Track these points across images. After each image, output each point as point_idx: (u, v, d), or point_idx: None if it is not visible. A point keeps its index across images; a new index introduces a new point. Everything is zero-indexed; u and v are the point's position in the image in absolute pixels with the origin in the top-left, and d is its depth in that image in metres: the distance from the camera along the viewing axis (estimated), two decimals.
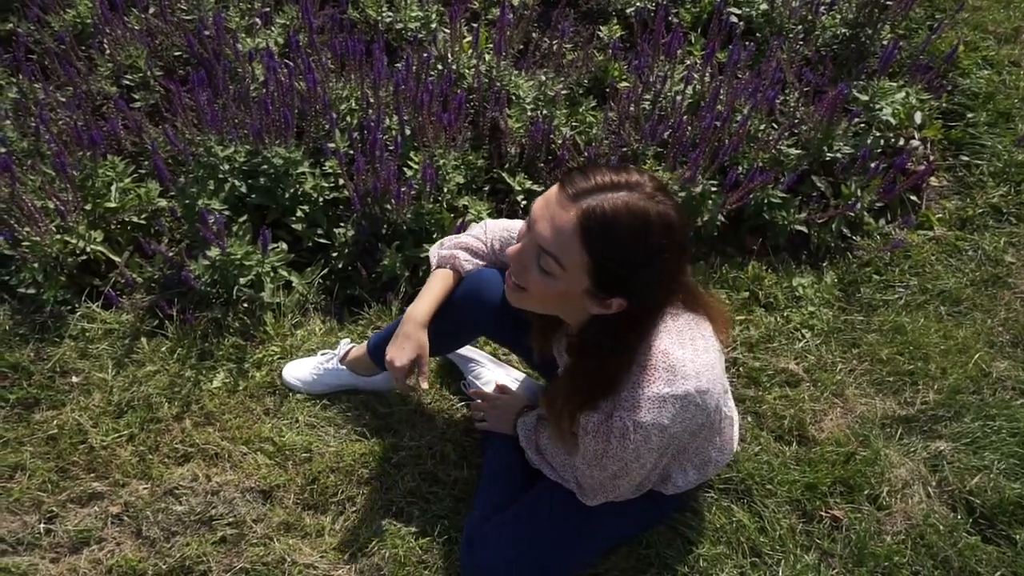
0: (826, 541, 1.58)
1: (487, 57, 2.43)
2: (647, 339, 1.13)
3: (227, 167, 2.08)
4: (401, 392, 1.43)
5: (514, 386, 1.73)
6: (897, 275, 2.08)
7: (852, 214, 2.13)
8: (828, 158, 2.21)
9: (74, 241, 2.00)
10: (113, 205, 2.11)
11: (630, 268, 1.03)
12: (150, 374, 1.85)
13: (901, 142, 2.38)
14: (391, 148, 2.06)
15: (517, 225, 1.48)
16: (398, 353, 1.40)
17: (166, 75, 2.52)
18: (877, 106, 2.22)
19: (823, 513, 1.61)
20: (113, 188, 2.13)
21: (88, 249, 2.02)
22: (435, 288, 1.46)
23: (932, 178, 2.40)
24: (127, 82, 2.50)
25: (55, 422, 1.76)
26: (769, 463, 1.67)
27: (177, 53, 2.60)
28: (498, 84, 2.37)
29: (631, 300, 1.06)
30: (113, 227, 2.13)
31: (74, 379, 1.85)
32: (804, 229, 2.14)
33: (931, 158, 2.39)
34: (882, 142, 2.30)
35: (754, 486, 1.64)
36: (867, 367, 1.87)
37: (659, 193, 1.02)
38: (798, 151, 2.18)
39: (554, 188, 1.05)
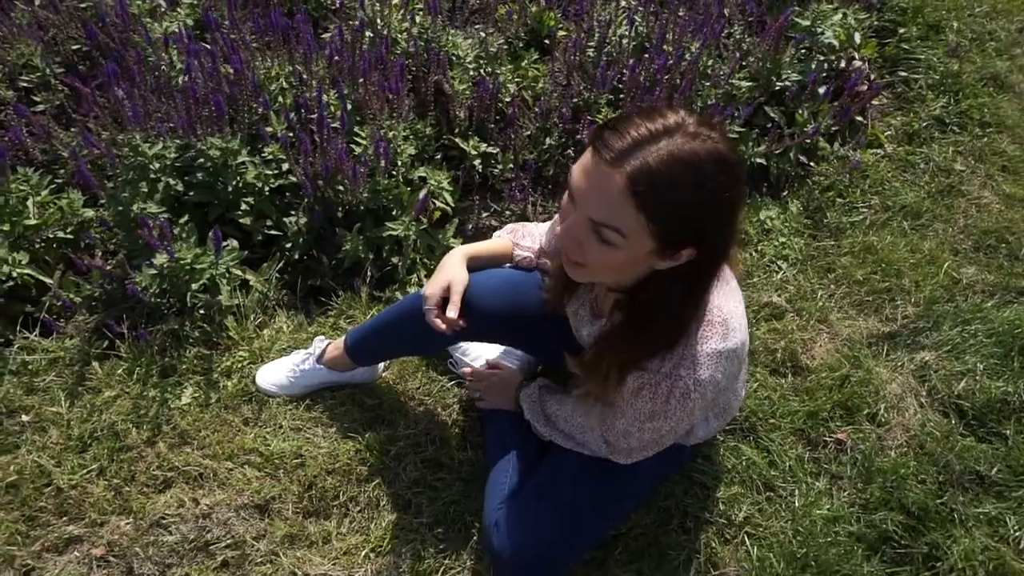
0: (834, 464, 1.60)
1: (417, 19, 2.30)
2: (712, 286, 1.08)
3: (157, 166, 1.90)
4: (432, 326, 1.35)
5: (507, 360, 1.67)
6: (858, 196, 2.11)
7: (808, 141, 2.14)
8: (778, 87, 2.20)
9: None
10: (34, 222, 1.91)
11: (694, 218, 0.94)
12: (109, 400, 1.70)
13: (843, 64, 2.39)
14: (336, 126, 1.93)
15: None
16: (430, 284, 1.36)
17: (67, 72, 2.29)
18: (819, 30, 2.22)
19: (827, 438, 1.63)
20: (30, 203, 1.92)
21: (14, 274, 1.82)
22: (490, 242, 1.47)
23: (857, 89, 2.43)
24: (24, 84, 2.25)
25: (12, 468, 1.59)
26: (769, 398, 1.67)
27: (75, 46, 2.36)
28: (435, 45, 2.25)
29: (701, 247, 0.98)
30: (38, 246, 1.93)
31: (24, 418, 1.69)
32: (763, 162, 2.13)
33: (871, 77, 2.42)
34: (826, 65, 2.30)
35: (758, 423, 1.65)
36: (845, 290, 1.89)
37: (703, 128, 0.93)
38: (749, 83, 2.16)
39: (587, 154, 0.95)
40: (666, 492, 1.55)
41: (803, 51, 2.31)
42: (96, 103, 1.96)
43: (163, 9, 2.43)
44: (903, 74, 2.46)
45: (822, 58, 2.28)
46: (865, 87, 2.32)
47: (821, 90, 2.18)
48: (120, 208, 1.81)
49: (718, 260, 1.04)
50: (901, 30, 2.56)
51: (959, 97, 2.36)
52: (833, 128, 2.16)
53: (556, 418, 1.42)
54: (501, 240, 1.50)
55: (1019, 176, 2.18)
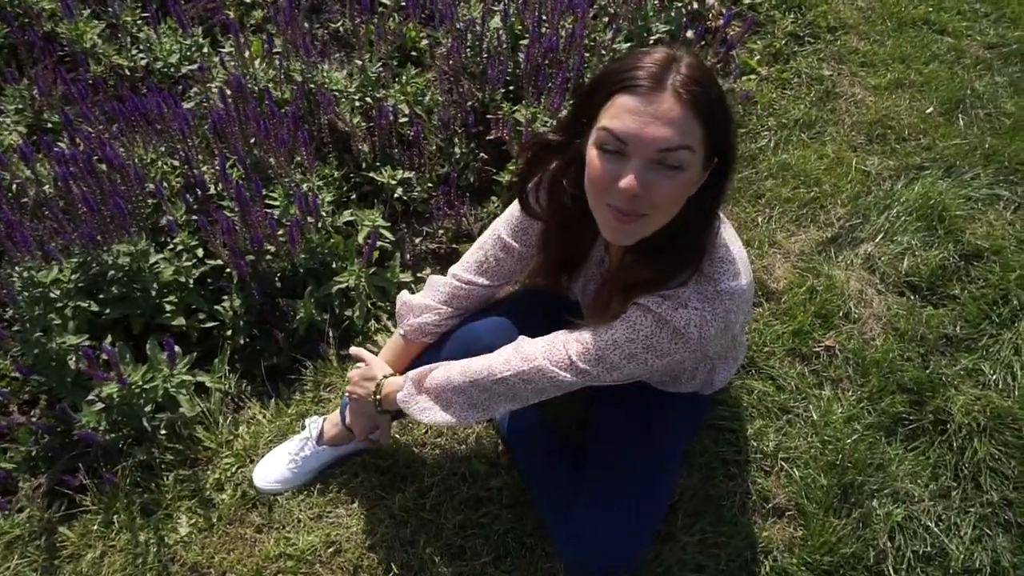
0: (831, 370, 1.70)
1: (286, 64, 2.18)
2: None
3: (58, 292, 1.69)
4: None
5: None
6: (756, 122, 2.24)
7: None
8: (652, 41, 2.29)
9: None
10: None
11: (723, 119, 1.01)
12: (96, 562, 1.51)
13: (695, 5, 2.52)
14: (249, 194, 1.79)
15: (497, 239, 1.35)
16: (356, 429, 1.45)
17: None
18: None
19: (817, 348, 1.73)
20: None
21: None
22: (387, 353, 1.47)
23: (727, 28, 2.58)
24: None
25: None
26: (756, 329, 1.75)
27: None
28: (312, 86, 2.14)
29: (724, 155, 1.03)
30: None
31: None
32: None
33: (723, 12, 2.56)
34: (684, 11, 2.41)
35: (754, 355, 1.72)
36: (780, 210, 2.00)
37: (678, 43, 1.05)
38: (628, 44, 2.23)
39: (623, 99, 0.97)
40: (700, 448, 1.59)
41: (656, 3, 2.40)
42: None
43: None
44: (747, 2, 2.62)
45: (680, 4, 2.39)
46: (721, 21, 2.45)
47: (690, 34, 2.28)
48: (36, 350, 1.59)
49: (731, 170, 1.07)
50: None
51: (802, 11, 2.56)
52: (718, 64, 2.27)
53: (469, 377, 1.25)
54: (401, 340, 1.44)
55: (877, 68, 2.40)
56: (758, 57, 2.45)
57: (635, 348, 1.12)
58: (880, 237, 1.91)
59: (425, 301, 1.40)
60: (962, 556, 1.45)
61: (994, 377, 1.69)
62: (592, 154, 1.01)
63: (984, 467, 1.56)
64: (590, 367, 1.15)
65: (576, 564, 1.35)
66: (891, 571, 1.44)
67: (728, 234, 1.16)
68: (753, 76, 2.40)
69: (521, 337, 1.26)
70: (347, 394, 1.44)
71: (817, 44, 2.48)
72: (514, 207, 1.32)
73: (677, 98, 0.95)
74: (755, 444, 1.60)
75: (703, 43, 2.33)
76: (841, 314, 1.77)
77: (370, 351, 1.48)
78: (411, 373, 1.30)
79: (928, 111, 2.25)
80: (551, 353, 1.18)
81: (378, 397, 1.35)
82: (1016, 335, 1.74)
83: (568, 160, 1.12)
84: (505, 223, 1.33)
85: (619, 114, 0.97)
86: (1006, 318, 1.77)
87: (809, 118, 2.23)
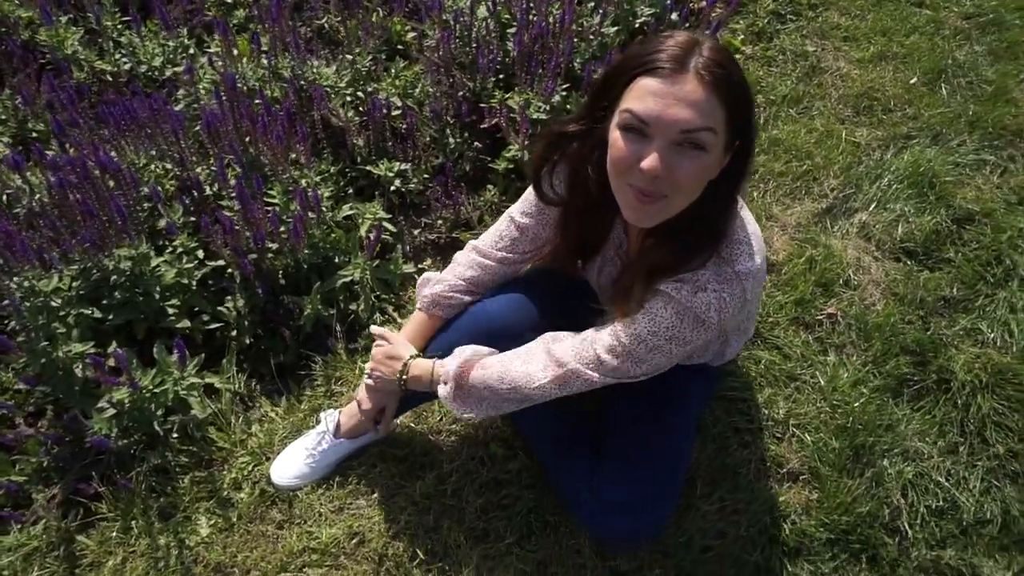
0: (835, 337, 1.73)
1: (274, 61, 2.16)
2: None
3: (59, 301, 1.67)
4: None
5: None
6: None
7: None
8: (638, 24, 2.30)
9: None
10: None
11: (746, 102, 1.02)
12: (118, 569, 1.49)
13: None
14: (253, 192, 1.78)
15: (511, 220, 1.37)
16: (365, 396, 1.46)
17: None
18: None
19: (820, 316, 1.76)
20: None
21: None
22: (417, 323, 1.46)
23: (711, 10, 2.60)
24: None
25: None
26: (760, 300, 1.77)
27: None
28: (303, 83, 2.13)
29: (744, 138, 1.04)
30: None
31: None
32: None
33: None
34: None
35: (759, 326, 1.74)
36: (774, 184, 2.03)
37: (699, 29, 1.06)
38: (615, 28, 2.24)
39: (646, 81, 0.98)
40: (713, 419, 1.61)
41: None
42: None
43: None
44: None
45: None
46: (706, 3, 2.47)
47: (674, 17, 2.30)
48: (43, 360, 1.57)
49: (751, 154, 1.09)
50: None
51: None
52: None
53: (493, 377, 1.27)
54: (421, 315, 1.46)
55: (859, 41, 2.44)
56: (742, 37, 2.48)
57: (658, 340, 1.14)
58: (873, 206, 1.95)
59: (442, 274, 1.43)
60: (973, 508, 1.49)
61: (992, 335, 1.73)
62: (615, 136, 1.03)
63: (989, 422, 1.60)
64: (618, 363, 1.17)
65: (605, 536, 1.38)
66: (906, 527, 1.47)
67: (744, 215, 1.17)
68: (738, 56, 2.43)
69: (548, 334, 1.27)
70: (368, 372, 1.44)
71: (799, 21, 2.52)
72: (528, 192, 1.33)
73: (700, 80, 0.96)
74: (766, 412, 1.62)
75: (687, 25, 2.35)
76: (841, 282, 1.81)
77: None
78: (451, 369, 1.28)
79: (912, 82, 2.29)
80: (581, 355, 1.21)
81: (404, 378, 1.36)
82: (1011, 294, 1.79)
83: (591, 146, 1.13)
84: (518, 206, 1.36)
85: (642, 96, 0.98)
86: (1000, 278, 1.82)
87: (796, 94, 2.27)
